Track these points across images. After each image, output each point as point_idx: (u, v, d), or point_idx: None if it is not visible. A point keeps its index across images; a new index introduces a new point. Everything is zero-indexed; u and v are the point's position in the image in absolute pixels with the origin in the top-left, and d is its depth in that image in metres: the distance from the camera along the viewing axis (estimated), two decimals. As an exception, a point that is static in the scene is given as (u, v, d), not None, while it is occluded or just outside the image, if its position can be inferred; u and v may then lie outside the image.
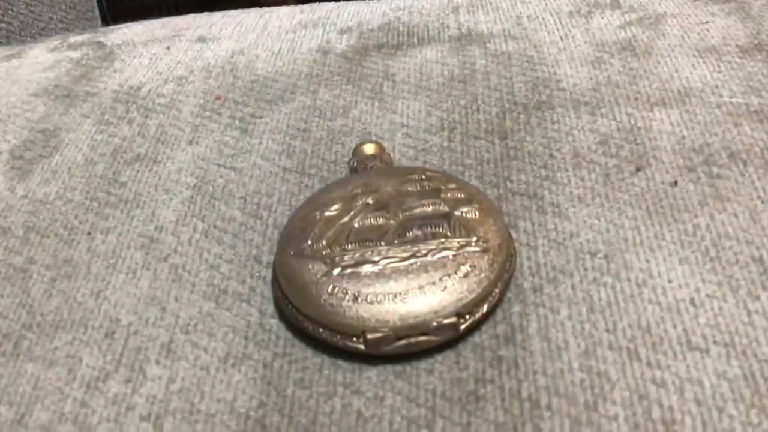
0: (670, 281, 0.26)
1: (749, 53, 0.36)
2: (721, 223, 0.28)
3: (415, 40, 0.40)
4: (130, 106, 0.38)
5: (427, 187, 0.28)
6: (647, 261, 0.27)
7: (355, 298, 0.24)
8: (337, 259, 0.25)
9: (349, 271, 0.25)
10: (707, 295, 0.25)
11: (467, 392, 0.23)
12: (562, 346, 0.24)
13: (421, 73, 0.37)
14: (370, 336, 0.24)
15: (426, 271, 0.25)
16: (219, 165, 0.33)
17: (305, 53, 0.40)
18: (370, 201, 0.27)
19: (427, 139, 0.33)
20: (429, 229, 0.26)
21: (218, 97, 0.37)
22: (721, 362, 0.23)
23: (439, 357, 0.24)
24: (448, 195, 0.27)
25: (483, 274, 0.25)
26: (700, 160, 0.30)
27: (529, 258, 0.27)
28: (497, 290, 0.25)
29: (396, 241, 0.26)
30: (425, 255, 0.25)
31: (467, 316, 0.24)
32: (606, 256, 0.27)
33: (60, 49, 0.44)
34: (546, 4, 0.41)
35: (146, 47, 0.43)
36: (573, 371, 0.24)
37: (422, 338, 0.24)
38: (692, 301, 0.25)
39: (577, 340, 0.24)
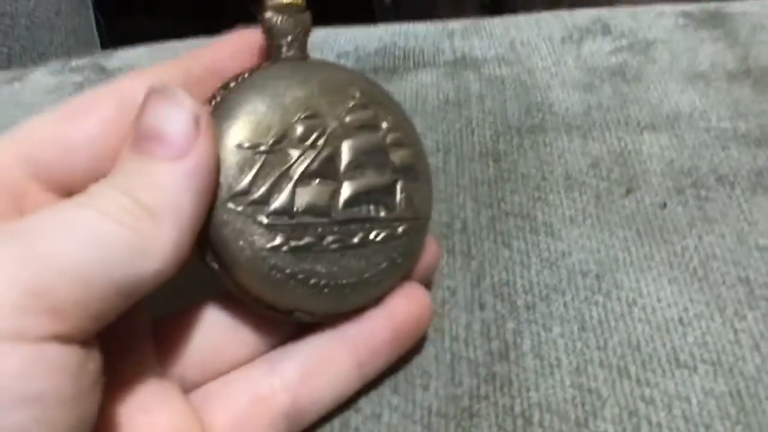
0: (659, 300, 0.26)
1: (737, 79, 0.37)
2: (709, 244, 0.28)
3: (411, 65, 0.41)
4: (131, 128, 0.38)
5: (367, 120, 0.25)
6: (637, 281, 0.27)
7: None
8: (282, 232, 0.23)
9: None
10: (695, 315, 0.26)
11: (462, 409, 0.24)
12: (554, 363, 0.25)
13: (416, 97, 0.38)
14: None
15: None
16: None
17: (303, 77, 0.41)
18: (316, 143, 0.24)
19: (423, 162, 0.34)
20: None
21: None
22: (708, 380, 0.24)
23: (434, 373, 0.25)
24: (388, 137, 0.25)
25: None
26: (688, 182, 0.31)
27: (522, 276, 0.28)
28: None
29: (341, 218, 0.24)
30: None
31: None
32: (597, 276, 0.28)
33: (62, 72, 0.44)
34: (539, 30, 0.42)
35: (147, 70, 0.43)
36: (565, 388, 0.24)
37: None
38: (681, 320, 0.26)
39: (569, 358, 0.25)
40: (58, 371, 0.18)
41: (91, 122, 0.23)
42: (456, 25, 0.45)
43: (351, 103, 0.25)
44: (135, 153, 0.21)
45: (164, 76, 0.24)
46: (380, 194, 0.24)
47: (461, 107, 0.37)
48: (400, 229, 0.25)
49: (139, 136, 0.21)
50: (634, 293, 0.27)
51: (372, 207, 0.24)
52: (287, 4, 0.25)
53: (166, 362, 0.23)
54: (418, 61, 0.41)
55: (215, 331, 0.24)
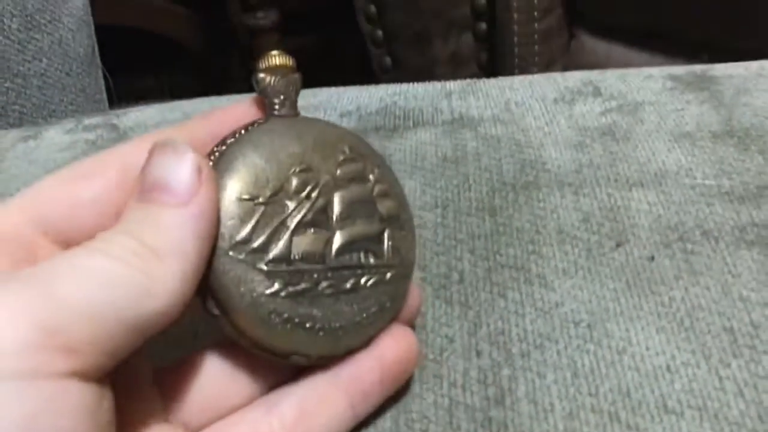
0: (647, 349, 0.28)
1: (721, 139, 0.38)
2: (694, 295, 0.30)
3: (411, 124, 0.43)
4: (142, 183, 0.40)
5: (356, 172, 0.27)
6: (627, 330, 0.29)
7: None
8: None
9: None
10: (682, 362, 0.27)
11: (460, 451, 0.25)
12: (548, 409, 0.26)
13: (416, 154, 0.40)
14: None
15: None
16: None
17: (307, 135, 0.43)
18: (310, 195, 0.26)
19: (422, 216, 0.35)
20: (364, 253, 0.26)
21: None
22: (694, 425, 0.25)
23: (433, 418, 0.26)
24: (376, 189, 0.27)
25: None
26: (675, 237, 0.32)
27: (517, 325, 0.29)
28: None
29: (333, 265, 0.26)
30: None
31: None
32: (589, 325, 0.29)
33: (75, 130, 0.46)
34: (532, 92, 0.44)
35: (158, 129, 0.45)
36: (558, 432, 0.25)
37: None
38: (668, 368, 0.27)
39: (562, 403, 0.26)
40: (77, 408, 0.19)
41: (96, 184, 0.25)
42: (454, 85, 0.47)
43: (341, 157, 0.27)
44: (141, 202, 0.22)
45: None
46: (369, 242, 0.26)
47: (459, 164, 0.38)
48: (388, 275, 0.26)
49: (145, 188, 0.22)
50: (623, 342, 0.28)
51: (362, 254, 0.26)
52: (279, 66, 0.28)
53: (170, 408, 0.24)
54: (417, 120, 0.43)
55: (215, 377, 0.25)
